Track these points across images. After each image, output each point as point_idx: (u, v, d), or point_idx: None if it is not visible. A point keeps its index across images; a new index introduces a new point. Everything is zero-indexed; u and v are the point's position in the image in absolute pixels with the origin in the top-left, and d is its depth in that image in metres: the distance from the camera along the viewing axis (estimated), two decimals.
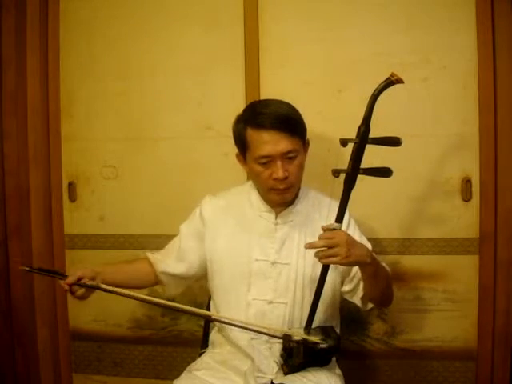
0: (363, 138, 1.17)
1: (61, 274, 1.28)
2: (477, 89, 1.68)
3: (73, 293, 1.27)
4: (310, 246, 1.21)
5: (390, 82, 1.15)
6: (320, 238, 1.21)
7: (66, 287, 1.25)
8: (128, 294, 1.31)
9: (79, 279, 1.26)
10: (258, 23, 1.79)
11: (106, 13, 1.91)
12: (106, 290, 1.29)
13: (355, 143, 1.18)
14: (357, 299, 1.40)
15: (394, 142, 1.18)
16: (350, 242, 1.21)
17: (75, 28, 1.94)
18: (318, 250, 1.20)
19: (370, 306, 1.41)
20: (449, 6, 1.68)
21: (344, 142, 1.18)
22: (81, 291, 1.27)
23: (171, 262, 1.48)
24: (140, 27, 1.88)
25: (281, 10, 1.78)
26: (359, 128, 1.18)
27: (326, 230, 1.22)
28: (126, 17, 1.90)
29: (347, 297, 1.43)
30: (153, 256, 1.50)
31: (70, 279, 1.25)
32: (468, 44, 1.68)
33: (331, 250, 1.18)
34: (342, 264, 1.22)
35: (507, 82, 1.66)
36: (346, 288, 1.40)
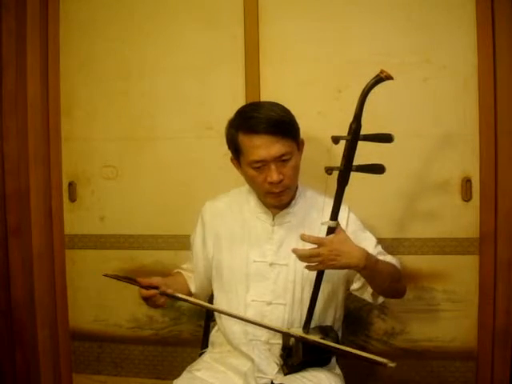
0: (355, 135, 1.17)
1: (136, 281, 1.33)
2: (477, 89, 1.68)
3: (153, 301, 1.33)
4: (294, 251, 1.22)
5: (380, 78, 1.15)
6: (306, 240, 1.22)
7: (148, 293, 1.30)
8: (206, 305, 1.39)
9: (155, 287, 1.31)
10: (258, 23, 1.79)
11: (106, 13, 1.91)
12: (181, 299, 1.35)
13: (347, 140, 1.19)
14: (367, 295, 1.40)
15: (385, 138, 1.19)
16: (336, 249, 1.21)
17: (75, 28, 1.94)
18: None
19: (382, 299, 1.41)
20: (449, 6, 1.68)
21: (336, 139, 1.19)
22: (162, 300, 1.32)
23: (196, 284, 1.52)
24: (140, 27, 1.88)
25: (281, 10, 1.78)
26: (350, 125, 1.18)
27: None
28: (126, 17, 1.90)
29: (357, 294, 1.42)
30: (186, 274, 1.55)
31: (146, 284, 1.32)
32: (468, 44, 1.68)
33: (315, 258, 1.20)
34: (327, 269, 1.24)
35: (507, 81, 1.66)
36: (355, 286, 1.40)
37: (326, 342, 1.27)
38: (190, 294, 1.51)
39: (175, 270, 1.58)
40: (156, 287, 1.31)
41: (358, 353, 1.24)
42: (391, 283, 1.35)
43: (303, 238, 1.22)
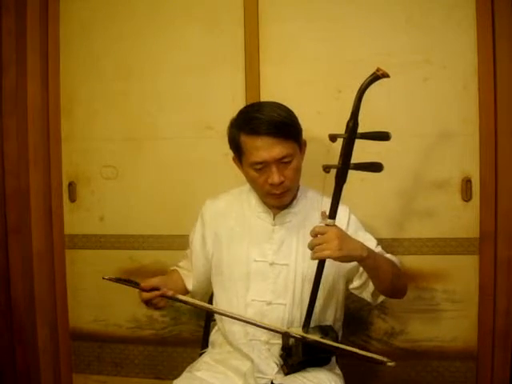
0: (352, 133, 1.18)
1: (137, 284, 1.31)
2: (477, 89, 1.69)
3: (154, 304, 1.32)
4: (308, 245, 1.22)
5: (376, 76, 1.15)
6: (311, 233, 1.21)
7: (148, 296, 1.29)
8: (206, 306, 1.38)
9: (155, 289, 1.30)
10: (258, 23, 1.79)
11: (106, 13, 1.91)
12: (182, 301, 1.35)
13: (344, 138, 1.19)
14: (367, 294, 1.40)
15: (382, 136, 1.19)
16: (342, 237, 1.21)
17: (75, 28, 1.94)
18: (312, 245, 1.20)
19: (381, 299, 1.41)
20: (449, 6, 1.68)
21: (333, 138, 1.19)
22: (163, 302, 1.32)
23: (194, 282, 1.51)
24: (140, 27, 1.89)
25: (281, 11, 1.78)
26: (347, 123, 1.18)
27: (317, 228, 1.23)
28: (126, 17, 1.90)
29: (356, 293, 1.42)
30: (182, 272, 1.53)
31: (147, 287, 1.30)
32: (468, 44, 1.68)
33: (323, 244, 1.18)
34: (334, 258, 1.20)
35: (507, 81, 1.66)
36: (356, 284, 1.40)
37: (326, 340, 1.26)
38: (186, 292, 1.50)
39: (171, 268, 1.58)
40: (157, 289, 1.30)
41: (356, 351, 1.23)
42: (393, 279, 1.34)
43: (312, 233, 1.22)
